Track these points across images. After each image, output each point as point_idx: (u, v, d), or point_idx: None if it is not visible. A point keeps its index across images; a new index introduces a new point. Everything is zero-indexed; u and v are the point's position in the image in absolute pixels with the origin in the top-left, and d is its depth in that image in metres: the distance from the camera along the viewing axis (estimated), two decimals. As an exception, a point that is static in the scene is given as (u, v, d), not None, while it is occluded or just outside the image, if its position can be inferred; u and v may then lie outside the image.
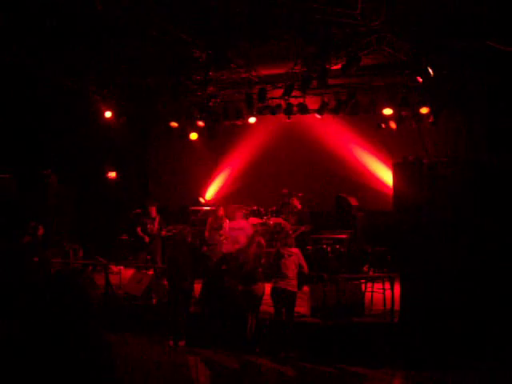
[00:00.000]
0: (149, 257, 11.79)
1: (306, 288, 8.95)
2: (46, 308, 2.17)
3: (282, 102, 11.95)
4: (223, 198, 14.56)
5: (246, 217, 11.34)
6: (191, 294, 8.50)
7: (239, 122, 12.99)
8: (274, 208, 12.36)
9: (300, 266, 7.93)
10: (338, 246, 10.82)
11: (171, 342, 8.18)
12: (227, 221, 11.52)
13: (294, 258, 7.91)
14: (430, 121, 11.30)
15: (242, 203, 12.31)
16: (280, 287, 7.77)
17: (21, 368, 2.07)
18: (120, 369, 2.46)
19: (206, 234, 10.99)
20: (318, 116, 12.10)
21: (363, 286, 9.29)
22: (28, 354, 2.09)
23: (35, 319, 2.17)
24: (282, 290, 7.75)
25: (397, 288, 8.33)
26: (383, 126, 12.11)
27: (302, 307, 8.70)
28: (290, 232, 9.12)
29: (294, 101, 11.89)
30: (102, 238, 13.50)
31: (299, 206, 11.71)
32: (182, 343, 8.15)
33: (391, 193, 9.14)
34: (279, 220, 11.61)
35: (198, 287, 8.96)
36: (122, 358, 7.33)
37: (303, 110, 11.98)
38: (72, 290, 2.27)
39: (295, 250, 8.03)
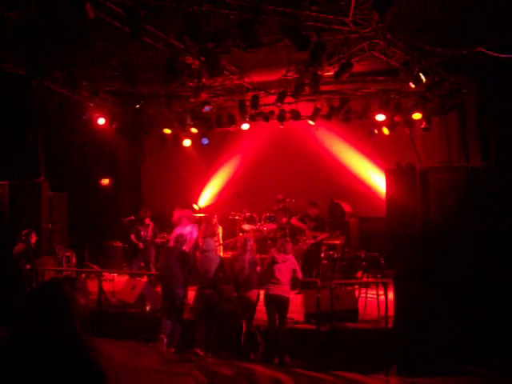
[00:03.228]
0: (142, 264, 11.77)
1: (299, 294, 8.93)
2: (36, 316, 2.16)
3: (275, 109, 11.97)
4: (217, 205, 14.56)
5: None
6: (185, 301, 8.47)
7: (232, 129, 13.01)
8: (268, 214, 12.33)
9: (294, 272, 7.93)
10: (331, 252, 10.82)
11: (165, 349, 8.14)
12: (220, 228, 11.50)
13: (288, 264, 7.90)
14: (423, 127, 11.35)
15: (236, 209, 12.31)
16: (273, 293, 7.75)
17: (8, 376, 2.06)
18: (112, 377, 2.45)
19: (200, 241, 10.96)
20: (311, 122, 12.13)
21: (357, 292, 9.30)
22: (16, 362, 2.08)
23: (25, 327, 2.16)
24: (276, 295, 7.74)
25: (390, 293, 8.33)
26: (376, 131, 12.17)
27: (296, 313, 8.69)
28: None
29: (286, 107, 11.92)
30: (95, 245, 13.46)
31: (317, 212, 11.19)
32: (175, 350, 8.11)
33: (384, 198, 9.20)
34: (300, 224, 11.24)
35: (191, 294, 8.93)
36: (114, 365, 7.30)
37: (296, 116, 12.02)
38: (63, 297, 2.26)
39: (289, 256, 8.03)
